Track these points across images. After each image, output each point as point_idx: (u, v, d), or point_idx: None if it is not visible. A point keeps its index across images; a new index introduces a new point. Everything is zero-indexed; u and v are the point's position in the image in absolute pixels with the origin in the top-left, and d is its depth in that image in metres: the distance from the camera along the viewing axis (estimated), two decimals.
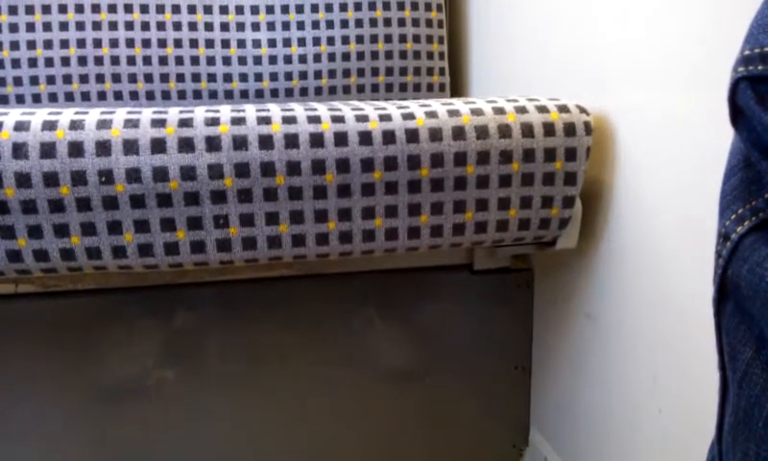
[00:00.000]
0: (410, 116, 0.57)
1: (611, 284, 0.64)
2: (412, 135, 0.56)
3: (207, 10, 0.91)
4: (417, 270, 0.75)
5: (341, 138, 0.55)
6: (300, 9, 0.94)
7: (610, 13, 0.62)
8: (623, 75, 0.60)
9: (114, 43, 0.88)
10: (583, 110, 0.61)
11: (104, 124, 0.52)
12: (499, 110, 0.59)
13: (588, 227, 0.66)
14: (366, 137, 0.55)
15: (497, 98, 0.62)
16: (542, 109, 0.60)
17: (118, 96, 0.89)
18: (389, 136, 0.56)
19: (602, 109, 0.63)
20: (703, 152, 0.50)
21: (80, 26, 0.87)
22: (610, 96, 0.62)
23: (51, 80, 0.87)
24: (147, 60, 0.89)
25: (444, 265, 0.76)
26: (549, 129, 0.59)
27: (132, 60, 0.89)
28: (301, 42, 0.94)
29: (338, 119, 0.56)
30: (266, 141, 0.53)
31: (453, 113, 0.58)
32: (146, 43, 0.89)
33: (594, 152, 0.63)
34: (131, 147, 0.51)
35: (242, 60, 0.92)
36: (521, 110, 0.59)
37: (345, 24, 0.94)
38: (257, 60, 0.93)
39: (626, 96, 0.60)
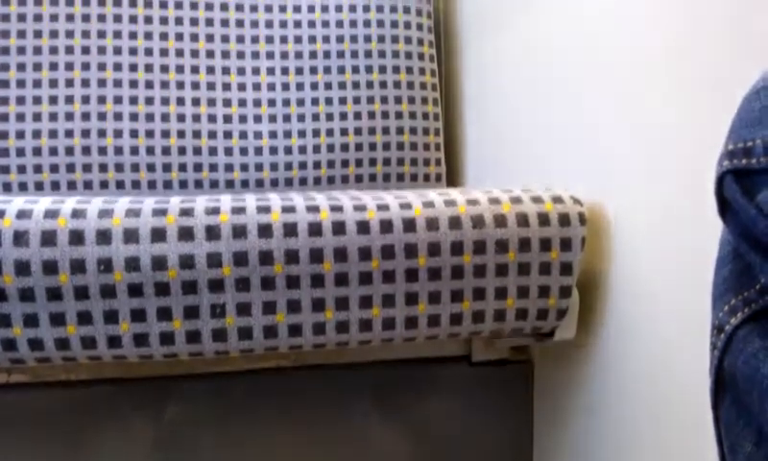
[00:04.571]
0: (407, 206, 0.58)
1: (611, 377, 0.63)
2: (409, 225, 0.57)
3: (211, 102, 0.94)
4: (414, 361, 0.74)
5: (339, 227, 0.55)
6: (300, 102, 0.97)
7: (605, 105, 0.64)
8: (620, 165, 0.62)
9: (118, 134, 0.90)
10: (576, 201, 0.62)
11: (105, 213, 0.53)
12: (495, 200, 0.60)
13: (586, 317, 0.66)
14: (364, 226, 0.56)
15: (493, 188, 0.63)
16: (537, 200, 0.61)
17: (120, 185, 0.90)
18: (386, 225, 0.56)
19: (598, 198, 0.64)
20: (700, 242, 0.50)
21: (85, 117, 0.90)
22: (606, 186, 0.64)
23: (54, 168, 0.88)
24: (150, 151, 0.91)
25: (442, 356, 0.75)
26: (544, 219, 0.60)
27: (135, 150, 0.91)
28: (302, 134, 0.96)
29: (336, 208, 0.56)
30: (265, 230, 0.54)
31: (449, 203, 0.59)
32: (150, 134, 0.91)
33: (590, 241, 0.63)
34: (131, 236, 0.52)
35: (243, 151, 0.94)
36: (516, 201, 0.60)
37: (344, 117, 0.97)
38: (258, 151, 0.95)
39: (622, 186, 0.61)
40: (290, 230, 0.54)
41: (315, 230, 0.55)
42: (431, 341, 0.61)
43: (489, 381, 0.75)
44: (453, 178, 1.06)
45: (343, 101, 0.97)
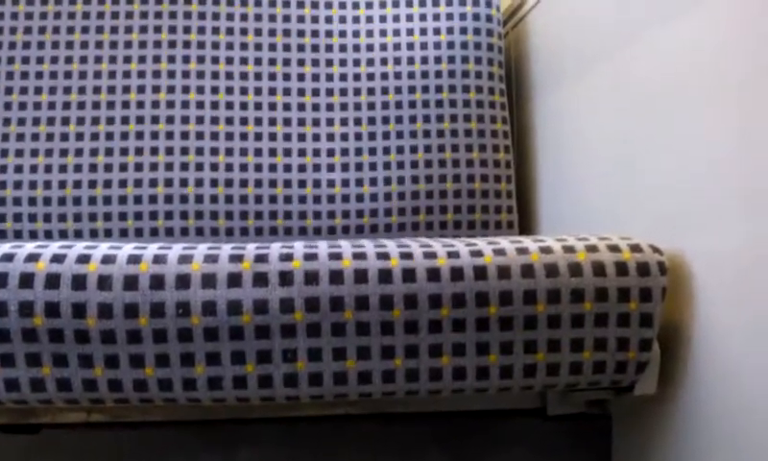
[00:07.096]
0: (478, 253, 0.57)
1: (694, 438, 0.59)
2: (480, 272, 0.56)
3: (287, 153, 0.97)
4: (486, 413, 0.72)
5: (409, 274, 0.55)
6: (372, 151, 0.98)
7: (681, 152, 0.62)
8: (699, 213, 0.59)
9: (199, 183, 0.94)
10: (656, 250, 0.59)
11: (185, 259, 0.55)
12: (569, 249, 0.58)
13: (667, 372, 0.62)
14: (434, 274, 0.55)
15: (567, 236, 0.61)
16: (614, 249, 0.59)
17: (200, 232, 0.93)
18: (457, 273, 0.56)
19: (677, 248, 0.62)
20: None
21: (168, 167, 0.94)
22: (685, 235, 0.61)
23: (138, 216, 0.93)
24: (229, 199, 0.94)
25: (516, 409, 0.72)
26: (622, 268, 0.58)
27: (214, 199, 0.94)
28: (373, 182, 0.97)
29: (406, 256, 0.56)
30: (336, 276, 0.55)
31: (522, 251, 0.58)
32: (228, 183, 0.95)
33: (671, 292, 0.61)
34: (209, 281, 0.53)
35: (317, 199, 0.96)
36: (592, 249, 0.59)
37: (414, 165, 0.98)
38: (331, 199, 0.97)
39: (703, 235, 0.59)
40: (360, 276, 0.55)
41: (385, 276, 0.55)
42: (504, 393, 0.60)
43: (564, 436, 0.72)
44: (526, 226, 1.04)
45: (414, 150, 0.98)
